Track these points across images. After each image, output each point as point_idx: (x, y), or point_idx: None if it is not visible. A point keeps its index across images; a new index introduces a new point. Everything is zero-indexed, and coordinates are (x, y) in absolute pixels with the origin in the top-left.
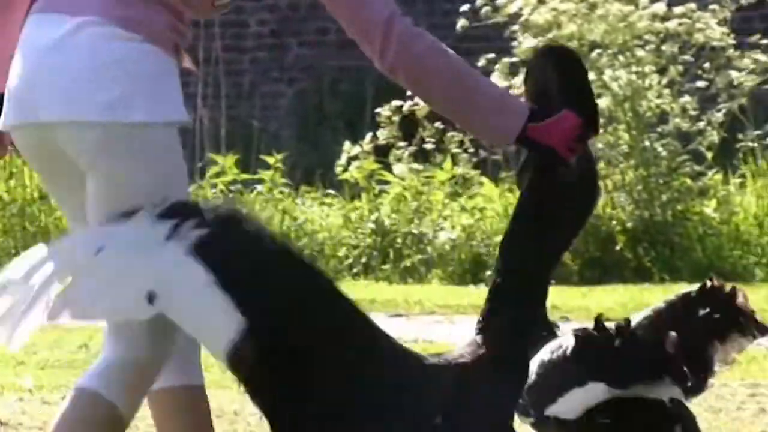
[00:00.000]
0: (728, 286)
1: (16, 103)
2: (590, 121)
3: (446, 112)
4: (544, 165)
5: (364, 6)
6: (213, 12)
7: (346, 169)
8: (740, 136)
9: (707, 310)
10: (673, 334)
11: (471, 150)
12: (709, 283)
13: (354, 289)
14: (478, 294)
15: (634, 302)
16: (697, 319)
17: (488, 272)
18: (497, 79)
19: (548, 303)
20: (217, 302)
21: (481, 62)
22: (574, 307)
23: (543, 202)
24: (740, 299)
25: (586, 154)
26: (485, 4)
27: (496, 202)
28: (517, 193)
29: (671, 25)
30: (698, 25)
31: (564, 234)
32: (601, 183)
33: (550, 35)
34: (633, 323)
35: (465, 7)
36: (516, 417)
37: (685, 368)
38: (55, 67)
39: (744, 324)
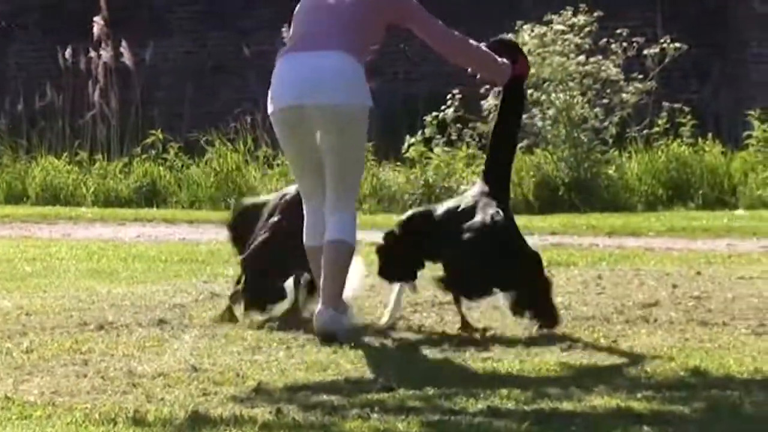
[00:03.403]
0: None
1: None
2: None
3: (474, 69)
4: (513, 81)
5: (437, 25)
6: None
7: (407, 151)
8: (627, 130)
9: None
10: None
11: (477, 139)
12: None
13: None
14: None
15: (571, 224)
16: None
17: None
18: None
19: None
20: None
21: None
22: (536, 228)
23: (512, 96)
24: None
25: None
26: None
27: None
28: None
29: (588, 68)
30: (603, 68)
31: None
32: (548, 156)
33: None
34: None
35: None
36: None
37: None
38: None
39: None
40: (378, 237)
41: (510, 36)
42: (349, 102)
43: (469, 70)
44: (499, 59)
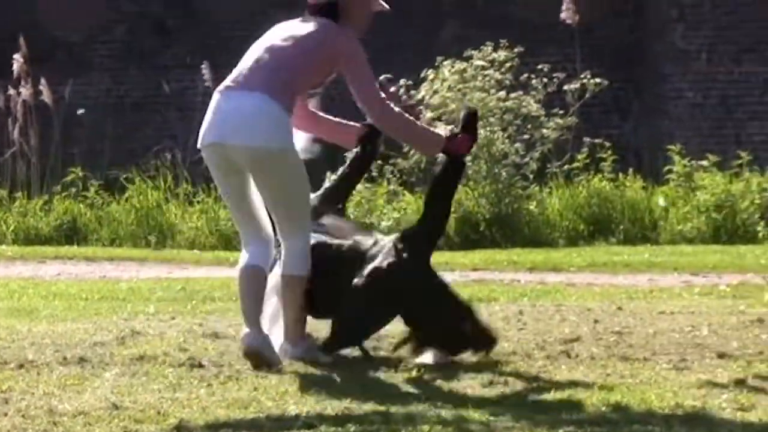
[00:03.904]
0: None
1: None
2: (473, 138)
3: (406, 143)
4: (450, 160)
5: (369, 89)
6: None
7: None
8: (548, 165)
9: None
10: None
11: (398, 175)
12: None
13: None
14: None
15: (492, 260)
16: None
17: None
18: None
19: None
20: None
21: None
22: (458, 264)
23: (446, 174)
24: None
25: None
26: (404, 94)
27: (412, 204)
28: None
29: (508, 103)
30: (523, 103)
31: (453, 190)
32: (469, 192)
33: (440, 111)
34: None
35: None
36: None
37: None
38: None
39: None
40: None
41: (430, 73)
42: (266, 145)
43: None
44: (436, 131)
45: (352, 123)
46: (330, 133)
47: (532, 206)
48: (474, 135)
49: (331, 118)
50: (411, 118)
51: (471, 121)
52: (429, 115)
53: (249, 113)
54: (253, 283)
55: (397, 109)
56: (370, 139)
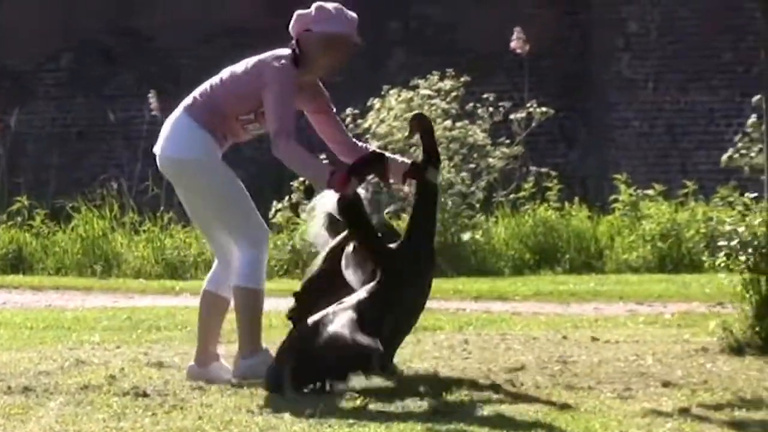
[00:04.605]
0: None
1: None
2: (355, 178)
3: (300, 175)
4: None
5: (277, 120)
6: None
7: (274, 216)
8: (494, 194)
9: None
10: None
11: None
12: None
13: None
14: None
15: (437, 288)
16: None
17: None
18: None
19: None
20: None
21: None
22: None
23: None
24: None
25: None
26: (351, 122)
27: None
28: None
29: (455, 132)
30: (469, 132)
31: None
32: None
33: (386, 140)
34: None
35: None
36: None
37: None
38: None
39: None
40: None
41: (377, 102)
42: (168, 154)
43: None
44: (323, 166)
45: (397, 157)
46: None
47: (478, 235)
48: (360, 175)
49: (372, 148)
50: (307, 154)
51: (363, 162)
52: (375, 144)
53: (167, 128)
54: (203, 306)
55: (297, 148)
56: (415, 176)
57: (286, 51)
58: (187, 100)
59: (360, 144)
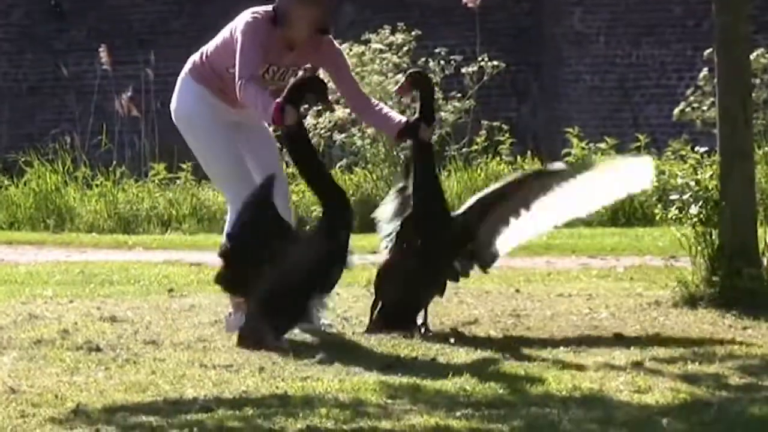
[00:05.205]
0: None
1: None
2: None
3: (253, 109)
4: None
5: (239, 65)
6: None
7: None
8: (446, 148)
9: None
10: None
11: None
12: None
13: None
14: None
15: None
16: None
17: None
18: None
19: None
20: None
21: None
22: (357, 246)
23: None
24: None
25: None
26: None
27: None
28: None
29: None
30: None
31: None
32: (368, 175)
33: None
34: None
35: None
36: None
37: None
38: None
39: None
40: (199, 257)
41: None
42: (172, 110)
43: None
44: (271, 101)
45: (399, 116)
46: (379, 121)
47: None
48: (295, 101)
49: (385, 108)
50: (260, 92)
51: (296, 87)
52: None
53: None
54: None
55: (252, 88)
56: (409, 135)
57: (268, 8)
58: (191, 60)
59: (376, 103)
